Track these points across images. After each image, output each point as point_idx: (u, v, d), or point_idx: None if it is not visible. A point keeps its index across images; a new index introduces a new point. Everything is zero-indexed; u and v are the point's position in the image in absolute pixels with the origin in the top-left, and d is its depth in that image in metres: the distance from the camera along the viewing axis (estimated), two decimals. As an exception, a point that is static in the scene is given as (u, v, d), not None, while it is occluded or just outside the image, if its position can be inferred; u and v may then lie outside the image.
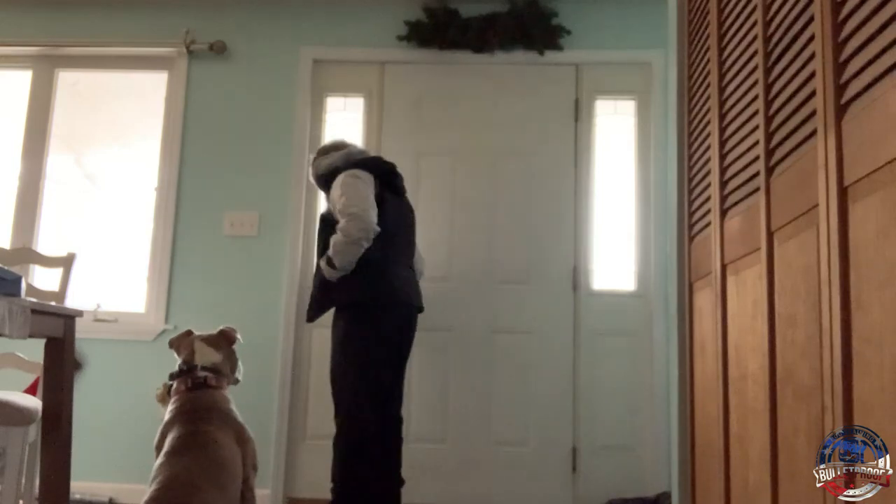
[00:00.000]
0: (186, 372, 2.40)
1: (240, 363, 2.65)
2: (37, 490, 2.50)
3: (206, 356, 2.46)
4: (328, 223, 2.94)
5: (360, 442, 2.79)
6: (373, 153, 3.35)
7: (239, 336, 2.65)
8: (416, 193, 3.68)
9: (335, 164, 2.97)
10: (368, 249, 2.81)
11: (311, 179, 3.14)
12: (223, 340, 2.56)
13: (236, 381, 2.61)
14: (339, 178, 2.90)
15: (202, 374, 2.39)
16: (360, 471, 2.77)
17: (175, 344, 2.54)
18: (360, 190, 2.83)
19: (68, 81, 4.15)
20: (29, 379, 2.98)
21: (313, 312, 2.94)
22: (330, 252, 2.80)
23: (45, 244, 3.97)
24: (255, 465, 2.36)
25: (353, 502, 2.77)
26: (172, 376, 2.44)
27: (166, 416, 2.32)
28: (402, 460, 3.01)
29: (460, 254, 3.75)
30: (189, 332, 2.56)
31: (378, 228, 2.81)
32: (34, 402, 2.54)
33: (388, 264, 2.88)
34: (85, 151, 4.15)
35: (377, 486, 2.82)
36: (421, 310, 3.07)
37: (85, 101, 4.17)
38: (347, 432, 2.80)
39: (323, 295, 2.90)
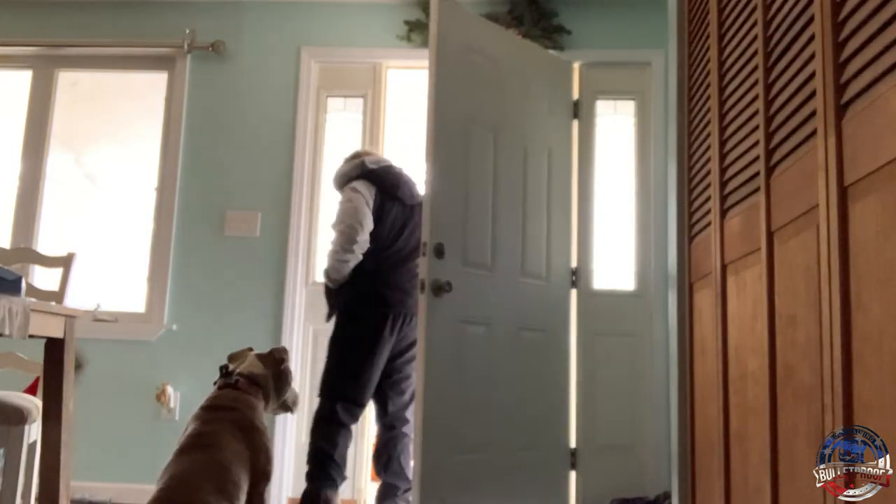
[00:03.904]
0: (224, 375, 2.44)
1: (294, 391, 2.62)
2: (37, 490, 2.50)
3: (249, 367, 2.49)
4: None
5: (327, 431, 2.98)
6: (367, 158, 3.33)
7: (287, 360, 2.64)
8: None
9: (347, 172, 3.12)
10: (363, 261, 2.98)
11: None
12: (270, 359, 2.59)
13: (283, 407, 2.57)
14: (345, 190, 3.06)
15: (236, 378, 2.43)
16: (329, 453, 2.95)
17: (233, 357, 2.56)
18: (353, 205, 2.99)
19: (68, 81, 4.15)
20: (29, 379, 2.98)
21: (328, 314, 3.16)
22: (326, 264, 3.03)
23: (45, 244, 3.97)
24: (266, 473, 2.33)
25: (321, 481, 2.93)
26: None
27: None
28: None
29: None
30: (250, 349, 2.61)
31: (367, 243, 2.97)
32: (34, 402, 2.54)
33: (379, 275, 3.03)
34: (85, 151, 4.16)
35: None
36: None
37: (85, 101, 4.17)
38: (319, 421, 3.00)
39: (330, 299, 3.13)
